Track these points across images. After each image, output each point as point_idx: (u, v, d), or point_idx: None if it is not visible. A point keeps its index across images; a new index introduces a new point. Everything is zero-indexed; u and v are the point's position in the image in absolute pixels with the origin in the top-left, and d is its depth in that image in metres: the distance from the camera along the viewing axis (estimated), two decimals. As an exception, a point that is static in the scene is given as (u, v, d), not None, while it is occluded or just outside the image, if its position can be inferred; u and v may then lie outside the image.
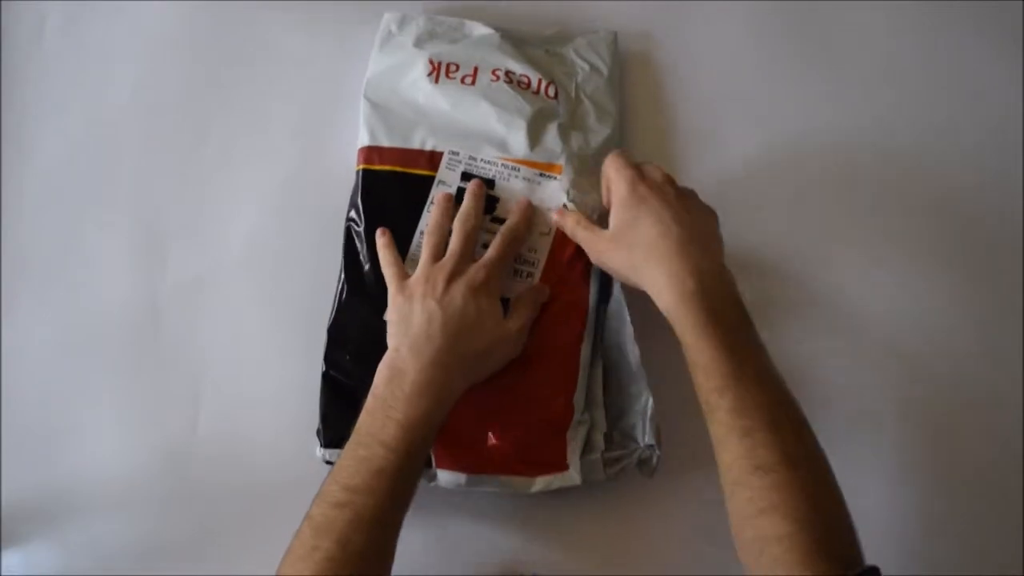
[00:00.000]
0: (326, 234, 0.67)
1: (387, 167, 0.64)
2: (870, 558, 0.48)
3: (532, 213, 0.63)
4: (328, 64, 0.72)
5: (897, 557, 0.48)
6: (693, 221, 0.56)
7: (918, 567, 0.60)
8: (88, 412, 0.65)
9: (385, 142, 0.64)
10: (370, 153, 0.64)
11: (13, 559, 0.62)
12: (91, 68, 0.72)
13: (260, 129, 0.71)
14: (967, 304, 0.68)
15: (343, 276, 0.63)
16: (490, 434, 0.59)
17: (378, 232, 0.61)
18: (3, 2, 0.73)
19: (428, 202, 0.63)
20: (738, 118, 0.72)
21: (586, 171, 0.64)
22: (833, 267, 0.68)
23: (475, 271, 0.58)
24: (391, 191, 0.63)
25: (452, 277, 0.57)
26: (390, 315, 0.58)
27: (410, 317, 0.56)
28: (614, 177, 0.59)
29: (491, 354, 0.58)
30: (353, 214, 0.64)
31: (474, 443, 0.59)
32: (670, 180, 0.58)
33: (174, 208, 0.69)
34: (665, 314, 0.55)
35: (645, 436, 0.59)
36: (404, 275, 0.59)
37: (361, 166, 0.64)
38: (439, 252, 0.59)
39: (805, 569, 0.47)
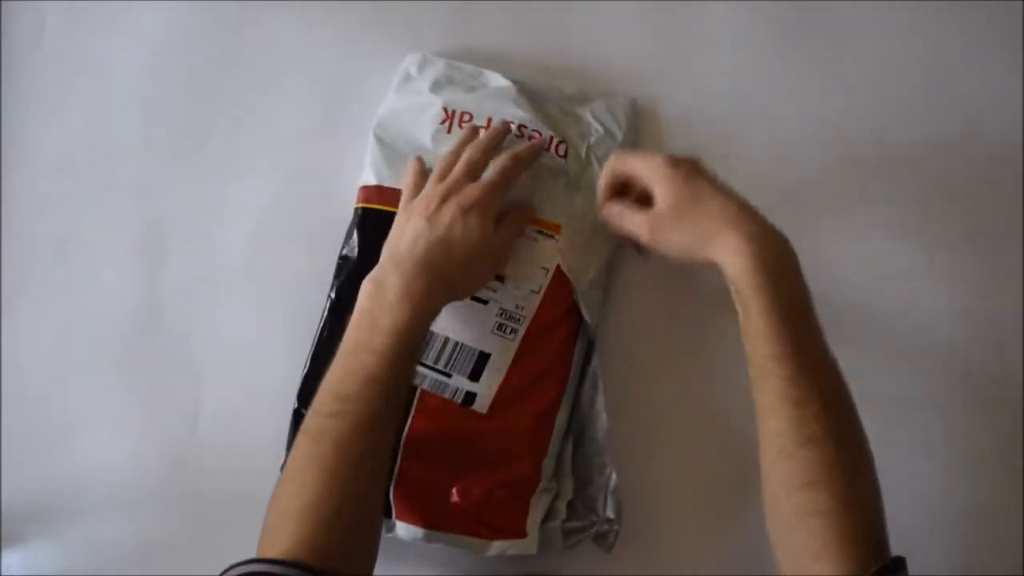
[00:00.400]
0: (326, 234, 0.67)
1: (388, 208, 0.63)
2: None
3: (539, 155, 0.63)
4: (328, 64, 0.72)
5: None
6: (737, 193, 0.57)
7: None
8: (88, 412, 0.65)
9: (388, 183, 0.64)
10: (371, 192, 0.64)
11: (13, 559, 0.62)
12: (91, 68, 0.72)
13: (260, 129, 0.71)
14: (970, 299, 0.68)
15: (326, 314, 0.63)
16: (453, 491, 0.59)
17: (414, 159, 0.63)
18: (3, 2, 0.73)
19: None
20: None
21: (584, 234, 0.63)
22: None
23: (469, 191, 0.58)
24: (377, 230, 0.62)
25: (447, 196, 0.58)
26: (390, 232, 0.59)
27: (401, 234, 0.58)
28: (642, 165, 0.58)
29: (472, 267, 0.58)
30: (347, 251, 0.63)
31: (436, 498, 0.59)
32: (701, 162, 0.59)
33: (174, 208, 0.69)
34: (735, 277, 0.54)
35: (606, 509, 0.59)
36: (414, 196, 0.60)
37: (360, 204, 0.64)
38: (445, 176, 0.60)
39: (840, 547, 0.47)
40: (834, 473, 0.49)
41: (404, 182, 0.62)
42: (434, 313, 0.57)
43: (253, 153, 0.70)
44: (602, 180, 0.61)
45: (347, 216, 0.65)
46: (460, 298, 0.59)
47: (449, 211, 0.57)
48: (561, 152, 0.65)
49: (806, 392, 0.51)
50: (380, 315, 0.54)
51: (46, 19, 0.73)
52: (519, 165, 0.61)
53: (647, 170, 0.58)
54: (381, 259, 0.58)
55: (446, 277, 0.56)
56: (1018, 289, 0.68)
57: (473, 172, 0.60)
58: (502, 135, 0.63)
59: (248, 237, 0.68)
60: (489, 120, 0.65)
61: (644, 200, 0.59)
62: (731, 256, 0.54)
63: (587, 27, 0.73)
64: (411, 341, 0.54)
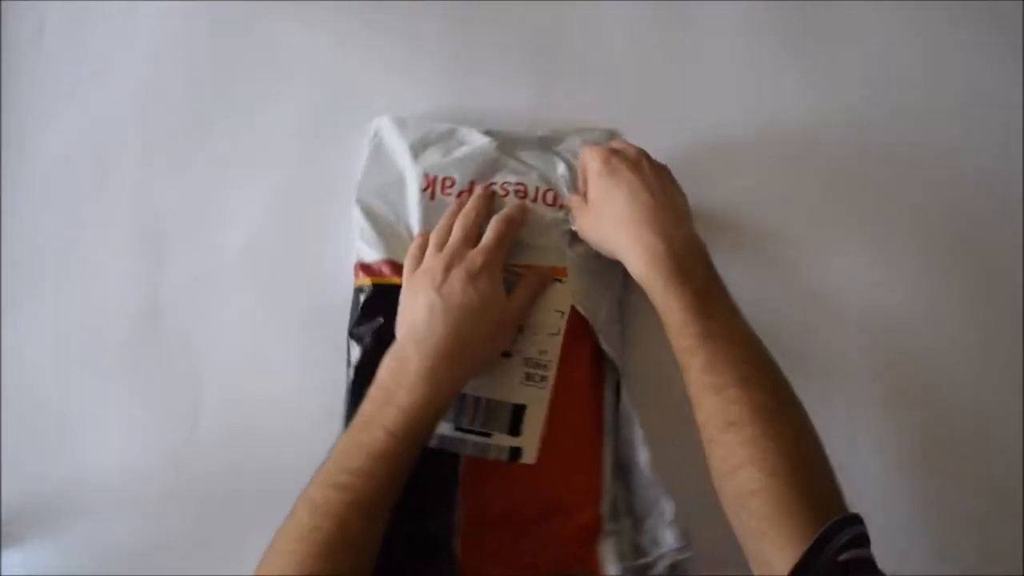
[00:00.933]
0: (326, 234, 0.67)
1: (386, 280, 0.62)
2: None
3: (528, 212, 0.63)
4: (327, 65, 0.72)
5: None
6: (664, 192, 0.58)
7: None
8: (88, 412, 0.65)
9: (384, 255, 0.63)
10: (366, 268, 0.63)
11: (13, 559, 0.62)
12: (91, 68, 0.72)
13: (260, 129, 0.71)
14: (958, 295, 0.68)
15: (348, 398, 0.62)
16: (524, 551, 0.58)
17: (419, 234, 0.62)
18: (3, 2, 0.73)
19: None
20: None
21: (589, 272, 0.63)
22: (833, 270, 0.68)
23: (472, 256, 0.59)
24: (393, 304, 0.60)
25: (450, 265, 0.58)
26: (400, 307, 0.59)
27: (414, 309, 0.58)
28: (588, 156, 0.60)
29: (493, 338, 0.59)
30: (362, 334, 0.62)
31: (506, 566, 0.58)
32: (644, 154, 0.60)
33: (174, 208, 0.69)
34: (637, 280, 0.56)
35: (670, 539, 0.58)
36: (415, 268, 0.60)
37: (361, 282, 0.63)
38: (443, 243, 0.60)
39: (782, 520, 0.47)
40: (762, 450, 0.49)
41: (407, 256, 0.61)
42: (454, 394, 0.57)
43: (252, 153, 0.70)
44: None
45: (345, 215, 0.65)
46: (481, 369, 0.59)
47: (458, 279, 0.57)
48: (549, 200, 0.64)
49: (722, 377, 0.52)
50: (397, 391, 0.54)
51: (46, 19, 0.73)
52: (513, 225, 0.61)
53: (587, 163, 0.60)
54: (400, 336, 0.58)
55: (468, 350, 0.56)
56: (1018, 289, 0.68)
57: (471, 238, 0.60)
58: (490, 198, 0.63)
59: (248, 237, 0.68)
60: (471, 183, 0.64)
61: None
62: (628, 258, 0.56)
63: (586, 28, 0.73)
64: (424, 421, 0.54)
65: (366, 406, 0.55)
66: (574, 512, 0.59)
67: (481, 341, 0.57)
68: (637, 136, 0.69)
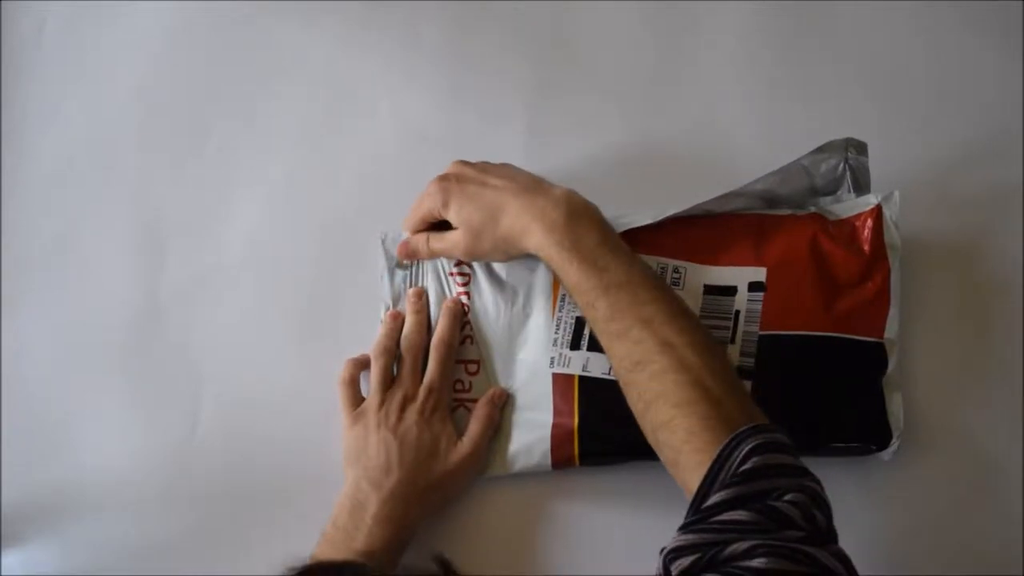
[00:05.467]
0: (326, 233, 0.67)
1: None
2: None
3: (459, 313, 0.62)
4: (327, 65, 0.72)
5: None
6: (513, 172, 0.59)
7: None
8: (88, 412, 0.65)
9: None
10: None
11: (13, 559, 0.62)
12: (91, 68, 0.72)
13: (260, 128, 0.71)
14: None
15: None
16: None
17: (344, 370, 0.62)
18: (3, 2, 0.73)
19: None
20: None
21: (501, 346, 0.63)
22: None
23: (424, 397, 0.59)
24: None
25: (404, 404, 0.59)
26: (347, 443, 0.60)
27: (367, 448, 0.58)
28: (420, 204, 0.60)
29: (447, 484, 0.59)
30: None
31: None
32: (464, 163, 0.60)
33: (174, 208, 0.69)
34: (538, 253, 0.56)
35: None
36: (356, 403, 0.60)
37: None
38: (387, 376, 0.60)
39: (688, 447, 0.49)
40: (667, 383, 0.51)
41: (341, 397, 0.61)
42: (412, 535, 0.58)
43: (252, 153, 0.70)
44: (408, 227, 0.62)
45: (345, 215, 0.65)
46: (439, 511, 0.60)
47: (413, 421, 0.59)
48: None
49: (624, 321, 0.53)
50: (356, 535, 0.55)
51: (46, 19, 0.73)
52: (451, 348, 0.61)
53: (431, 203, 0.59)
54: (352, 476, 0.58)
55: (424, 494, 0.58)
56: (1018, 289, 0.68)
57: (418, 371, 0.61)
58: (425, 316, 0.62)
59: (248, 236, 0.68)
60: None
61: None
62: (527, 240, 0.56)
63: (586, 29, 0.73)
64: (384, 564, 0.55)
65: (324, 548, 0.56)
66: None
67: (436, 487, 0.58)
68: (636, 138, 0.70)
